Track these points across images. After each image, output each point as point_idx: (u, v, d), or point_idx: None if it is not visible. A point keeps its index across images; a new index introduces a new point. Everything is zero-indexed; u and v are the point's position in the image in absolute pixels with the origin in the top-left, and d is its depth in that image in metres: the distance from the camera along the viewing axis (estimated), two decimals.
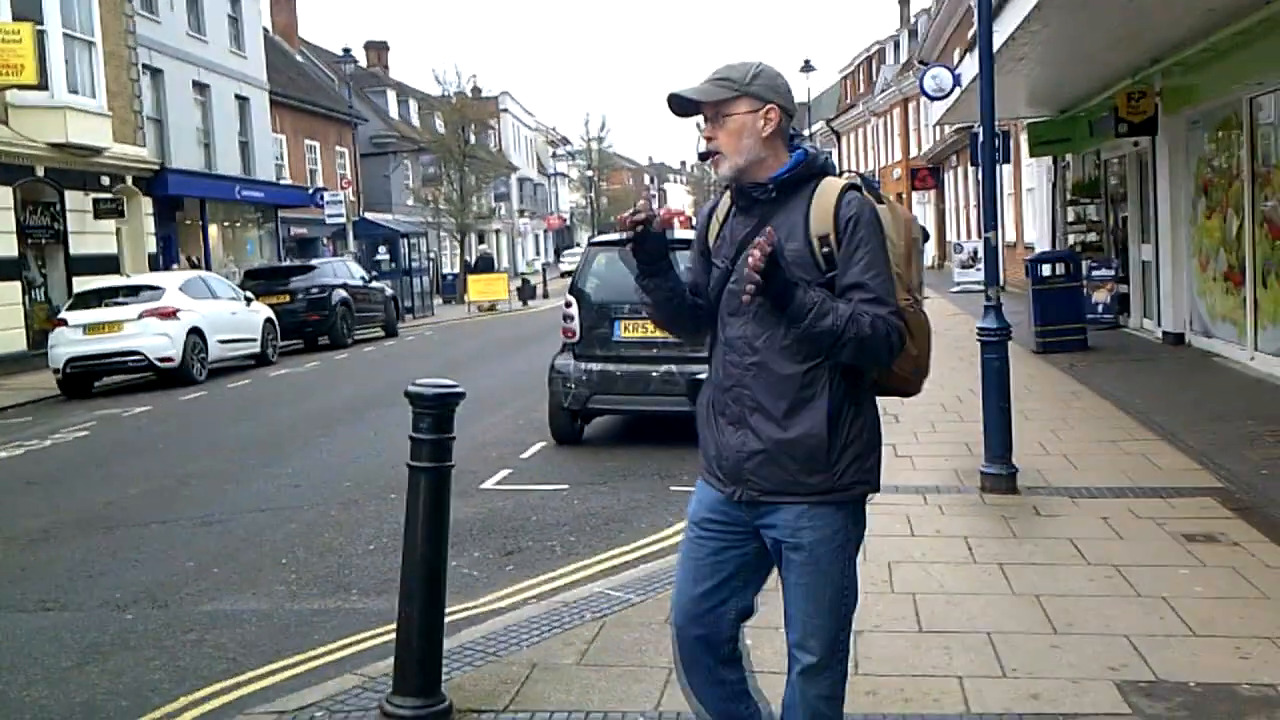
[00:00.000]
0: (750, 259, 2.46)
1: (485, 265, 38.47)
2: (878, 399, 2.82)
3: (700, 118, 2.75)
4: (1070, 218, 18.69)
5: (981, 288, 13.22)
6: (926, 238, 2.86)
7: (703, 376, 2.90)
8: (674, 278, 2.77)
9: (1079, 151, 18.38)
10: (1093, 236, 17.95)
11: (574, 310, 9.13)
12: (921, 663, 4.15)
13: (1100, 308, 15.89)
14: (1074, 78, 14.69)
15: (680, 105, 2.72)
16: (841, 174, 2.74)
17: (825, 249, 2.61)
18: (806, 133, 59.62)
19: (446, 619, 4.68)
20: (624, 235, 2.68)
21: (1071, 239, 18.37)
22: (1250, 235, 10.91)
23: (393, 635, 4.84)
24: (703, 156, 2.75)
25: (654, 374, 8.78)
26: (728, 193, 2.82)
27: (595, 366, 9.02)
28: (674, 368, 8.76)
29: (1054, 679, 3.94)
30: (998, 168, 25.12)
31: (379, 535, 6.72)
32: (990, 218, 6.83)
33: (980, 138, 20.89)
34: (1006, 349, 6.83)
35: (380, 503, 7.64)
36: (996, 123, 21.65)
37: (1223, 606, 4.59)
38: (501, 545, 6.41)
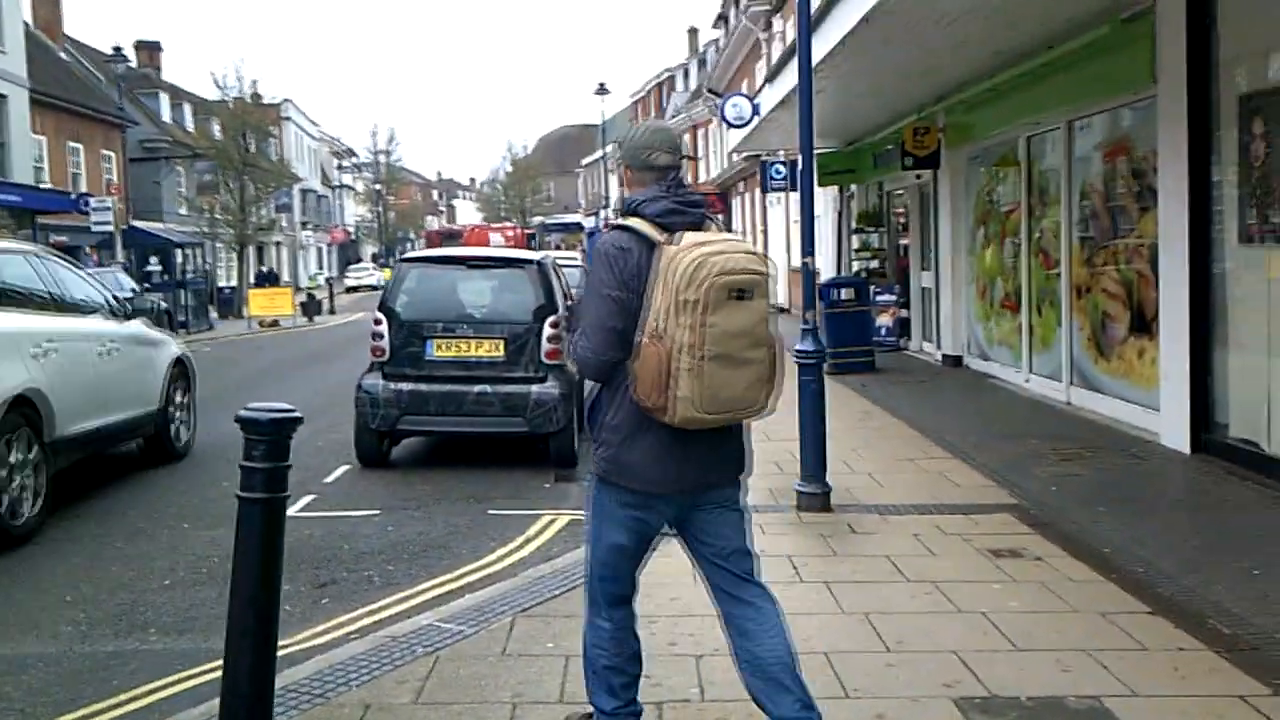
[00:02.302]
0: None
1: (270, 280, 36.89)
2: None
3: None
4: (855, 245, 19.54)
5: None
6: (742, 293, 3.06)
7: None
8: None
9: (863, 182, 19.28)
10: (875, 263, 18.81)
11: (384, 328, 8.79)
12: None
13: (884, 331, 16.65)
14: (863, 111, 15.40)
15: None
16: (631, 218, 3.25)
17: None
18: (599, 154, 60.27)
19: None
20: None
21: (856, 265, 19.20)
22: (1026, 265, 11.66)
23: (202, 677, 4.53)
24: None
25: (469, 394, 8.57)
26: None
27: (406, 386, 8.71)
28: (489, 388, 8.58)
29: (895, 698, 4.01)
30: (784, 196, 25.84)
31: (174, 569, 6.24)
32: (808, 243, 6.99)
33: (772, 166, 21.41)
34: (822, 371, 7.00)
35: (172, 533, 7.11)
36: (783, 153, 22.39)
37: (1039, 621, 4.80)
38: (314, 577, 6.05)
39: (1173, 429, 8.27)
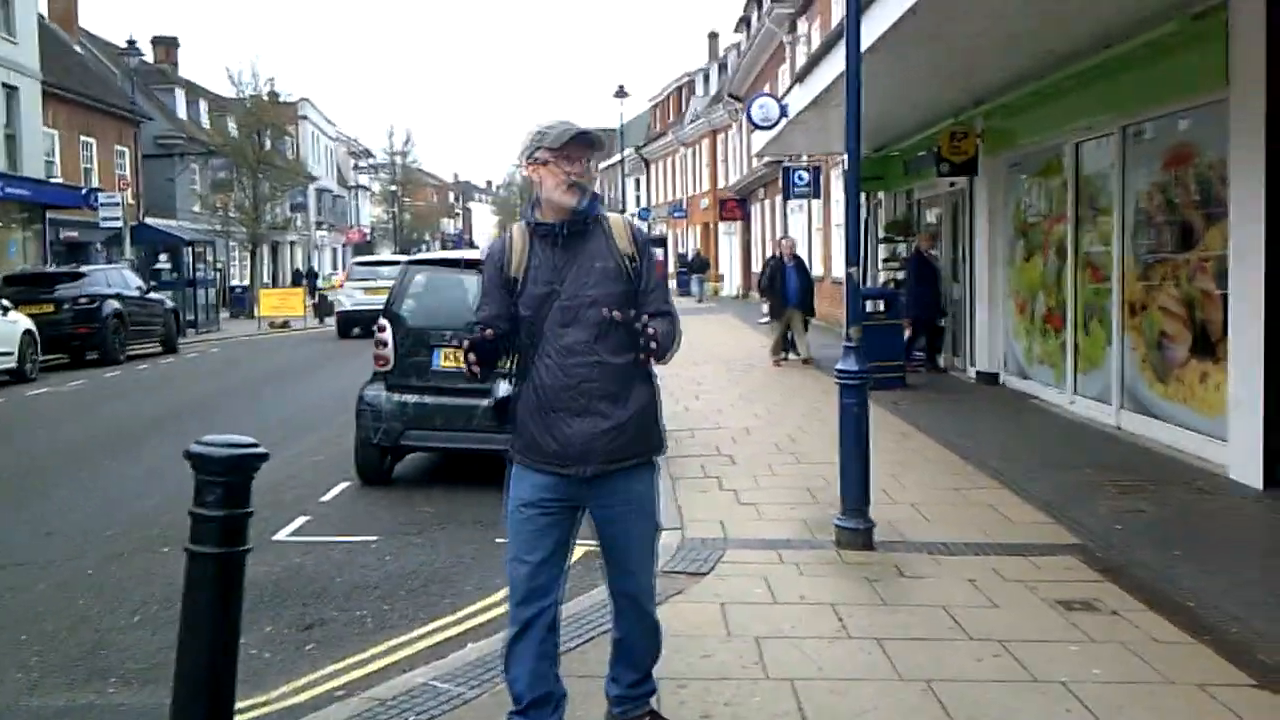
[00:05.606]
0: (650, 330, 3.23)
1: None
2: None
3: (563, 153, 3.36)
4: (883, 255, 18.86)
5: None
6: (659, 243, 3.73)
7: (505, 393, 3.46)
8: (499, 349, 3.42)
9: (892, 190, 18.59)
10: (903, 274, 18.10)
11: (388, 335, 8.17)
12: None
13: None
14: (896, 116, 14.71)
15: (598, 142, 3.43)
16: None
17: (634, 264, 3.41)
18: (617, 157, 59.83)
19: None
20: (468, 366, 3.31)
21: (883, 276, 18.52)
22: (1073, 279, 10.97)
23: None
24: (581, 188, 3.37)
25: (478, 408, 7.90)
26: (517, 229, 3.46)
27: (411, 399, 8.08)
28: None
29: None
30: (805, 203, 25.26)
31: (147, 602, 5.60)
32: (852, 251, 6.34)
33: (795, 172, 20.76)
34: (867, 394, 6.34)
35: (149, 556, 6.49)
36: (806, 158, 21.77)
37: (1129, 694, 4.12)
38: (300, 616, 5.40)
39: (1243, 462, 7.58)
